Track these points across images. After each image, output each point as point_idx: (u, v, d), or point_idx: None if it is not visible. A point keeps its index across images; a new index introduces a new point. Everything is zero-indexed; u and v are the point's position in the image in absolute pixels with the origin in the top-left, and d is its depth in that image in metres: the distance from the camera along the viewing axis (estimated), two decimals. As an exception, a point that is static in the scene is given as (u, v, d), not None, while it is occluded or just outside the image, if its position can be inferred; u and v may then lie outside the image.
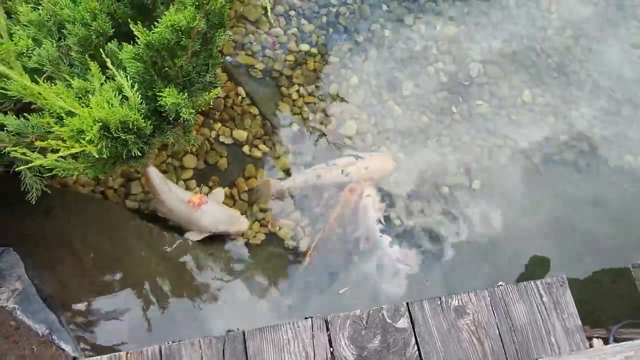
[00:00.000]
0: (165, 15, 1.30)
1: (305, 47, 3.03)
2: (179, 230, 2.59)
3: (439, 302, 1.45)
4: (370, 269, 2.53)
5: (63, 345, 2.08)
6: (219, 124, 2.82)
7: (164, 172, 2.69)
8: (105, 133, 1.28)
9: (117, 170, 2.63)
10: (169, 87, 1.36)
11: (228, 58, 2.92)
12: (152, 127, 1.41)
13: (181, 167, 2.72)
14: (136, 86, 1.31)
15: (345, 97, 2.96)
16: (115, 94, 1.30)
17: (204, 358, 1.35)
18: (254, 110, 2.87)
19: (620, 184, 2.81)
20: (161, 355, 1.36)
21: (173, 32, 1.31)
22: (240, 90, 2.88)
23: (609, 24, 3.12)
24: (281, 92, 2.92)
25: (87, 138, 1.21)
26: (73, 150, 1.22)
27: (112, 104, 1.26)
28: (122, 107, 1.27)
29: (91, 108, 1.23)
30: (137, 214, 2.60)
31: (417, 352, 1.37)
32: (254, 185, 2.73)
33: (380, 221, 2.59)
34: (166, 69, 1.38)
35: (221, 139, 2.77)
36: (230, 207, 2.68)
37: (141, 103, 1.34)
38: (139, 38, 1.29)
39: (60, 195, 2.44)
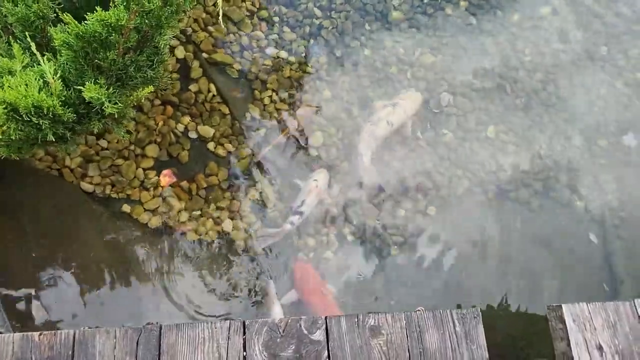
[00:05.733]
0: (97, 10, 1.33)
1: (284, 54, 3.07)
2: (130, 217, 2.59)
3: (355, 320, 1.49)
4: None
5: (-10, 319, 2.05)
6: (188, 118, 2.83)
7: (125, 158, 2.69)
8: (15, 115, 1.29)
9: (77, 150, 2.62)
10: (100, 79, 1.38)
11: (204, 55, 2.94)
12: (74, 114, 1.41)
13: (142, 155, 2.72)
14: (61, 73, 1.32)
15: (316, 109, 3.00)
16: (36, 78, 1.31)
17: (117, 347, 1.36)
18: (224, 109, 2.90)
19: (567, 228, 2.90)
20: (74, 340, 1.36)
21: (103, 27, 1.34)
22: (212, 87, 2.90)
23: (577, 73, 3.24)
24: (254, 95, 2.95)
25: (-10, 118, 1.22)
26: (-25, 128, 1.23)
27: (28, 87, 1.27)
28: (39, 92, 1.28)
29: (2, 89, 1.24)
30: (91, 197, 2.59)
31: (328, 365, 1.40)
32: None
33: (298, 208, 2.62)
34: (97, 61, 1.40)
35: (186, 132, 2.79)
36: (188, 201, 2.70)
37: (69, 90, 1.35)
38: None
39: (13, 166, 2.42)
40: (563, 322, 1.52)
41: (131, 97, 1.52)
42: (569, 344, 1.48)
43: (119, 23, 1.30)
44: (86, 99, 1.37)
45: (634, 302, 1.58)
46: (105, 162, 2.64)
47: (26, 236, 2.44)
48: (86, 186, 2.58)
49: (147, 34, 1.46)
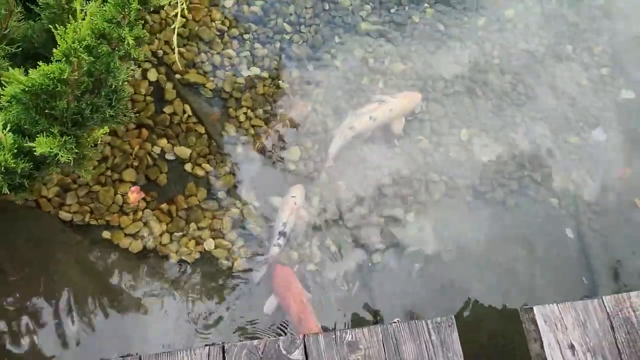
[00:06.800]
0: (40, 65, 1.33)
1: (256, 70, 3.10)
2: (111, 244, 2.58)
3: (333, 336, 1.51)
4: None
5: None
6: (164, 140, 2.84)
7: (102, 184, 2.68)
8: (-35, 173, 1.29)
9: (53, 180, 2.61)
10: (54, 127, 1.38)
11: (177, 76, 2.95)
12: (31, 162, 1.42)
13: (120, 180, 2.71)
14: (12, 125, 1.32)
15: (291, 123, 3.03)
16: (-13, 132, 1.32)
17: (97, 381, 1.36)
18: (200, 128, 2.91)
19: (544, 226, 2.97)
20: (54, 377, 1.36)
21: (49, 80, 1.35)
22: (187, 108, 2.91)
23: (545, 72, 3.32)
24: (229, 113, 2.97)
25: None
26: None
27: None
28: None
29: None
30: (69, 225, 2.58)
31: (309, 383, 1.42)
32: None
33: (282, 230, 2.65)
34: (48, 110, 1.41)
35: (163, 155, 2.80)
36: (169, 223, 2.71)
37: (24, 138, 1.36)
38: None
39: (-14, 201, 2.40)
40: (535, 323, 1.56)
41: (89, 139, 1.53)
42: (542, 345, 1.52)
43: (62, 76, 1.32)
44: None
45: (602, 299, 1.63)
46: (83, 189, 2.63)
47: (3, 270, 2.42)
48: (64, 215, 2.57)
49: (99, 77, 1.48)
